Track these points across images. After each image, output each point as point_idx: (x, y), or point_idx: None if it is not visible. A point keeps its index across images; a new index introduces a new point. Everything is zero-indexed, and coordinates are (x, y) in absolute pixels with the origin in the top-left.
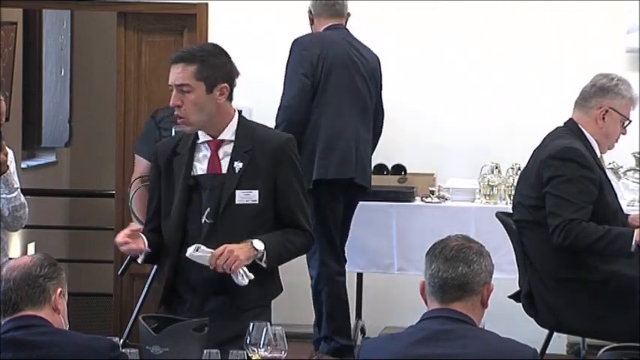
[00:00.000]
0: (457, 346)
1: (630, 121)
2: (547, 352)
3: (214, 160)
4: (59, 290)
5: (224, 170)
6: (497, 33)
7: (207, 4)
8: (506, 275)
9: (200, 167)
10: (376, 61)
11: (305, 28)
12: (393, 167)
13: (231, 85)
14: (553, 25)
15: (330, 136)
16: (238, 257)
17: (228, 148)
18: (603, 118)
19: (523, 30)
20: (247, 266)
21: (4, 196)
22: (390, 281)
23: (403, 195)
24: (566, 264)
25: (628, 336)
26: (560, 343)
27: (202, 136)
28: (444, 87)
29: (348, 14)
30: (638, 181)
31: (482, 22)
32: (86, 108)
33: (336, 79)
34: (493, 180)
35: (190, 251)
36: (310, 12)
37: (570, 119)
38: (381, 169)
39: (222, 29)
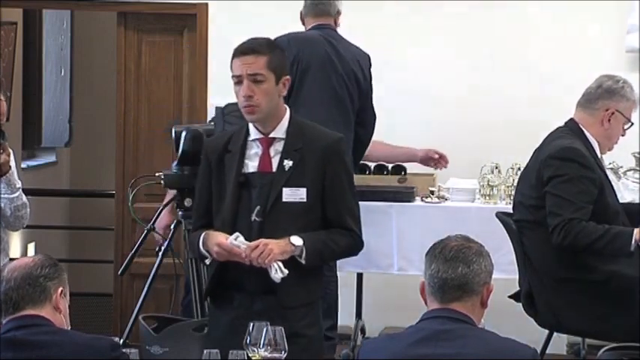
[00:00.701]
0: (457, 346)
1: (632, 124)
2: (547, 352)
3: (265, 159)
4: (60, 290)
5: (274, 169)
6: (497, 33)
7: (207, 4)
8: (506, 275)
9: (251, 165)
10: (360, 60)
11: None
12: (393, 167)
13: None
14: (553, 25)
15: None
16: (272, 250)
17: (279, 146)
18: (609, 120)
19: (523, 30)
20: (287, 262)
21: (5, 195)
22: (390, 281)
23: (403, 195)
24: (566, 264)
25: (628, 336)
26: (560, 343)
27: (254, 134)
28: (443, 87)
29: (338, 12)
30: (638, 181)
31: (482, 22)
32: (86, 108)
33: (312, 79)
34: (493, 180)
35: (230, 239)
36: (301, 12)
37: (571, 119)
38: (381, 169)
39: (222, 29)
